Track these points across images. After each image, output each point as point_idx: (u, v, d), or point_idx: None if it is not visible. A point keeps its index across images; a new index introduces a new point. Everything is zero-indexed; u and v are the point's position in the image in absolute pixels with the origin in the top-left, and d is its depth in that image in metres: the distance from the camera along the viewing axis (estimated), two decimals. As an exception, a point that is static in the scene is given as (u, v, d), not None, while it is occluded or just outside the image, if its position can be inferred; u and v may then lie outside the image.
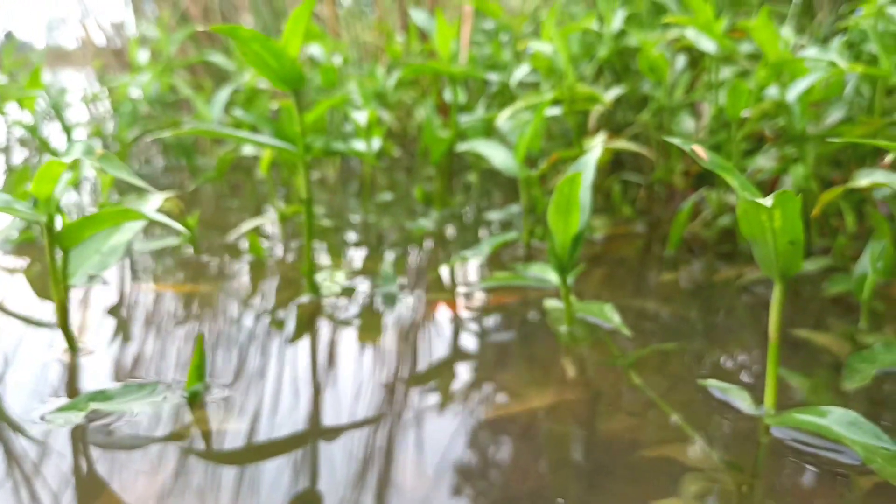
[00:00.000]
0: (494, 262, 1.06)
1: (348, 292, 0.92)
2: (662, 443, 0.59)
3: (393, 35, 1.98)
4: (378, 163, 1.46)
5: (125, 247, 0.72)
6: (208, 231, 1.24)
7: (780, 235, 0.56)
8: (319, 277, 0.93)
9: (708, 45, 1.08)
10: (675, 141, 0.60)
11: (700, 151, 0.59)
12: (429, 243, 1.17)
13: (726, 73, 1.23)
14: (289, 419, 0.62)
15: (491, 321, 0.85)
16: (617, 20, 1.38)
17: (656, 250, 1.12)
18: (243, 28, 0.72)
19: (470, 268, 1.04)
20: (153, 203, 0.74)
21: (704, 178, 1.28)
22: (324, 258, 1.08)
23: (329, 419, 0.62)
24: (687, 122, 1.29)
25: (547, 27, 1.01)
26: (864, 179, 0.74)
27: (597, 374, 0.71)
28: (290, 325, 0.83)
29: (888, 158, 0.68)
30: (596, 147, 0.77)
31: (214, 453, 0.57)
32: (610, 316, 0.80)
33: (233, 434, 0.60)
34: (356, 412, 0.63)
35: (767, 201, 0.50)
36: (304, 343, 0.78)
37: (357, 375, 0.71)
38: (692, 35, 1.12)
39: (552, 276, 0.94)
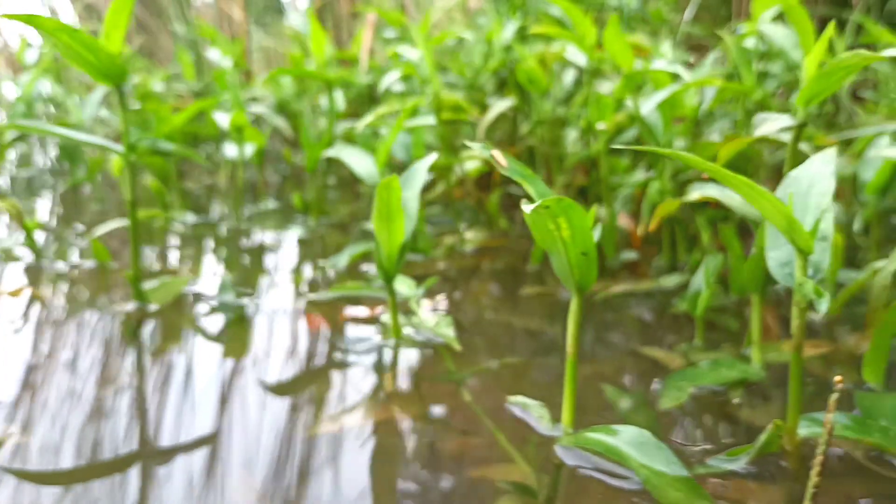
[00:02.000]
0: (354, 272, 1.02)
1: (182, 300, 0.88)
2: (485, 462, 0.56)
3: (301, 40, 1.94)
4: (261, 168, 1.41)
5: None
6: (67, 234, 1.19)
7: (570, 246, 0.54)
8: (154, 284, 0.88)
9: (580, 58, 1.06)
10: (474, 146, 0.58)
11: (499, 157, 0.57)
12: (292, 252, 1.13)
13: (609, 87, 1.23)
14: (78, 434, 0.57)
15: (330, 333, 0.81)
16: (507, 32, 1.37)
17: (526, 264, 1.09)
18: (46, 18, 0.68)
19: (327, 277, 1.00)
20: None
21: (586, 193, 1.27)
22: (173, 264, 1.04)
23: (128, 434, 0.58)
24: (572, 135, 1.28)
25: (416, 34, 0.99)
26: (695, 193, 0.72)
27: (429, 391, 0.68)
28: (106, 333, 0.78)
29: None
30: (427, 159, 0.74)
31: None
32: (444, 331, 0.77)
33: (11, 449, 0.55)
34: (163, 426, 0.59)
35: (528, 208, 0.47)
36: (117, 352, 0.74)
37: (173, 387, 0.66)
38: (570, 48, 1.11)
39: (402, 288, 0.90)
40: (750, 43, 1.15)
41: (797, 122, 0.67)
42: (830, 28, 0.62)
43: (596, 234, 0.56)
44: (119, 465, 0.54)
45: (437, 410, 0.64)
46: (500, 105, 1.32)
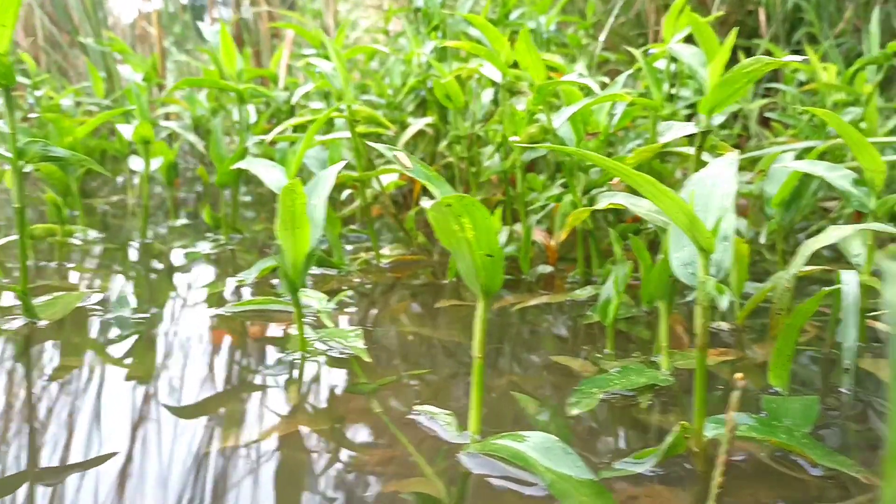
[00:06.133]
0: (265, 287, 0.99)
1: (77, 316, 0.83)
2: (393, 474, 0.53)
3: (217, 58, 1.90)
4: (171, 185, 1.37)
5: None
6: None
7: (475, 247, 0.52)
8: (47, 299, 0.83)
9: (495, 74, 1.07)
10: (380, 146, 0.56)
11: (403, 158, 0.56)
12: (200, 269, 1.09)
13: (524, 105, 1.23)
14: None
15: (236, 348, 0.78)
16: (426, 48, 1.37)
17: (442, 278, 1.08)
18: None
19: (235, 293, 0.97)
20: None
21: (503, 210, 1.27)
22: (71, 280, 0.98)
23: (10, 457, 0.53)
24: (489, 152, 1.28)
25: (330, 46, 0.97)
26: (604, 201, 0.72)
27: (338, 403, 0.65)
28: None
29: (616, 179, 0.67)
30: (335, 166, 0.73)
31: None
32: (353, 342, 0.74)
33: None
34: (53, 445, 0.55)
35: (428, 204, 0.46)
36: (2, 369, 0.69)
37: (61, 406, 0.62)
38: (486, 65, 1.11)
39: (313, 301, 0.88)
40: (661, 66, 1.18)
41: (700, 129, 0.68)
42: (733, 35, 0.63)
43: (502, 239, 0.55)
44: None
45: (346, 422, 0.62)
46: (419, 123, 1.31)
